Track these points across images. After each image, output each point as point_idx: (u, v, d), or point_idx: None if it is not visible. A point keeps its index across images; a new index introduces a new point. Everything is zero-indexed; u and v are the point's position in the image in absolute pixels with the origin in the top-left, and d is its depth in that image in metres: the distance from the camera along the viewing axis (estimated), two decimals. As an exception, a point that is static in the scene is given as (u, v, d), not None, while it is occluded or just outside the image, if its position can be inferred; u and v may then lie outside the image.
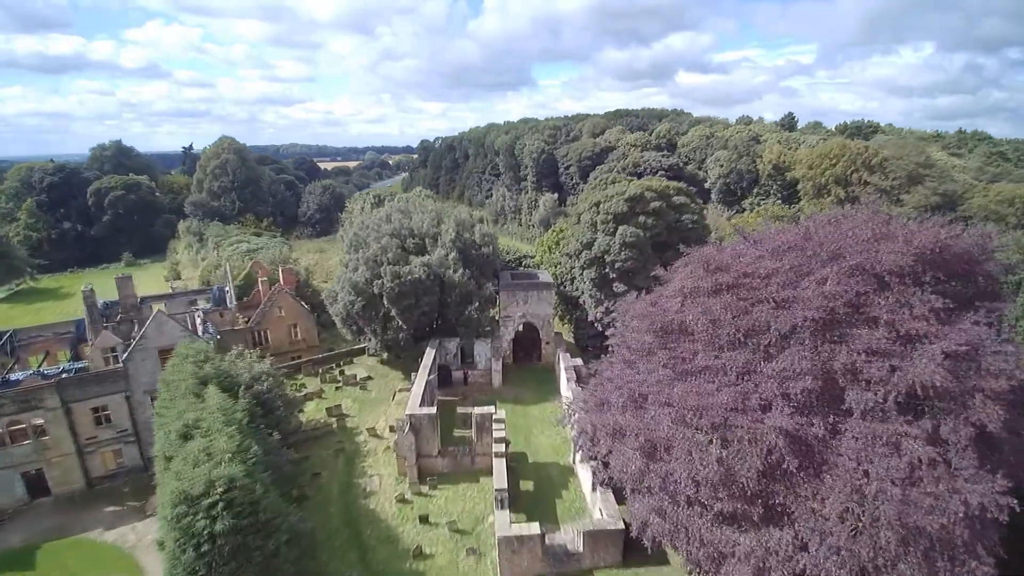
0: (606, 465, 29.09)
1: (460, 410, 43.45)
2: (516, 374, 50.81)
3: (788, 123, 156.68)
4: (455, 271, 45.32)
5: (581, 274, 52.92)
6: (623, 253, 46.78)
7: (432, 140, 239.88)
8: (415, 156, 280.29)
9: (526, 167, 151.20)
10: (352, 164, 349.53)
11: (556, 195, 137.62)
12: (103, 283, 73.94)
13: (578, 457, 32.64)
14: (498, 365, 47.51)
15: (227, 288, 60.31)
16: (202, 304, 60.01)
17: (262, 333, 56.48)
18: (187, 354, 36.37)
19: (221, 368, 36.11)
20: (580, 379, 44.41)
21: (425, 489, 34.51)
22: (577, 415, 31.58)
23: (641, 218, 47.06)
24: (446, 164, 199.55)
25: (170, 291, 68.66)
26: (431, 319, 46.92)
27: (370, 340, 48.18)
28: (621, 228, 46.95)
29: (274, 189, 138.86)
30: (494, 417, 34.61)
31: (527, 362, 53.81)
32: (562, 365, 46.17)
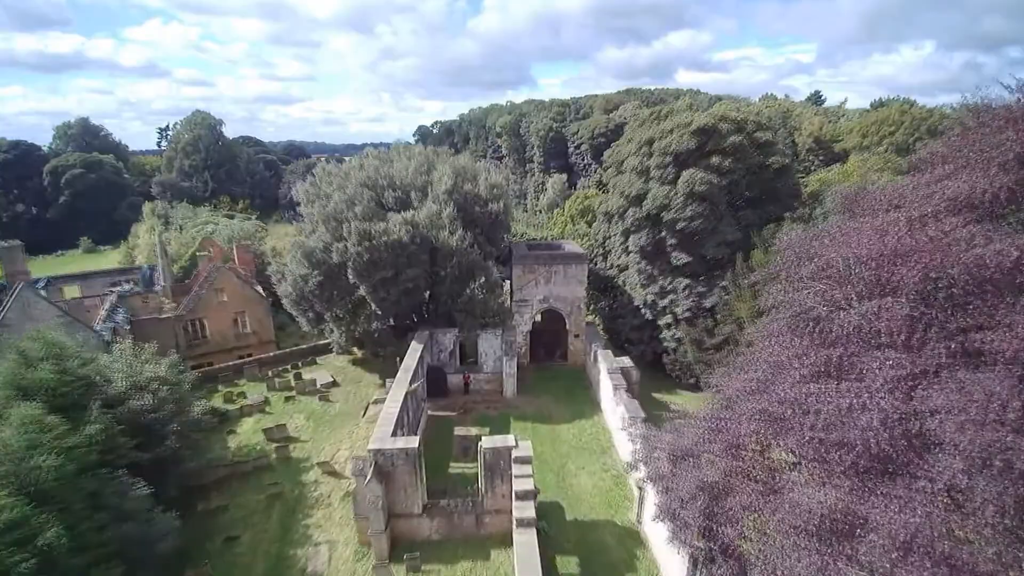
0: (728, 553, 15.62)
1: (459, 432, 29.85)
2: (535, 379, 37.19)
3: (815, 101, 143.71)
4: (452, 232, 31.65)
5: (624, 242, 39.23)
6: (689, 208, 33.10)
7: (430, 125, 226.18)
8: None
9: (532, 147, 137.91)
10: (348, 158, 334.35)
11: (566, 176, 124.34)
12: (57, 272, 62.25)
13: (663, 529, 18.88)
14: (512, 367, 33.85)
15: (157, 266, 46.56)
16: (128, 286, 46.37)
17: (197, 323, 42.80)
18: (22, 349, 22.71)
19: (75, 372, 22.46)
20: (631, 387, 30.87)
21: (401, 572, 20.87)
22: (657, 461, 18.20)
23: (714, 159, 33.37)
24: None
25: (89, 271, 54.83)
26: (417, 301, 33.22)
27: (332, 332, 34.40)
28: (686, 173, 33.27)
29: (252, 168, 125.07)
30: (514, 454, 20.90)
31: (548, 362, 40.18)
32: (603, 367, 32.54)
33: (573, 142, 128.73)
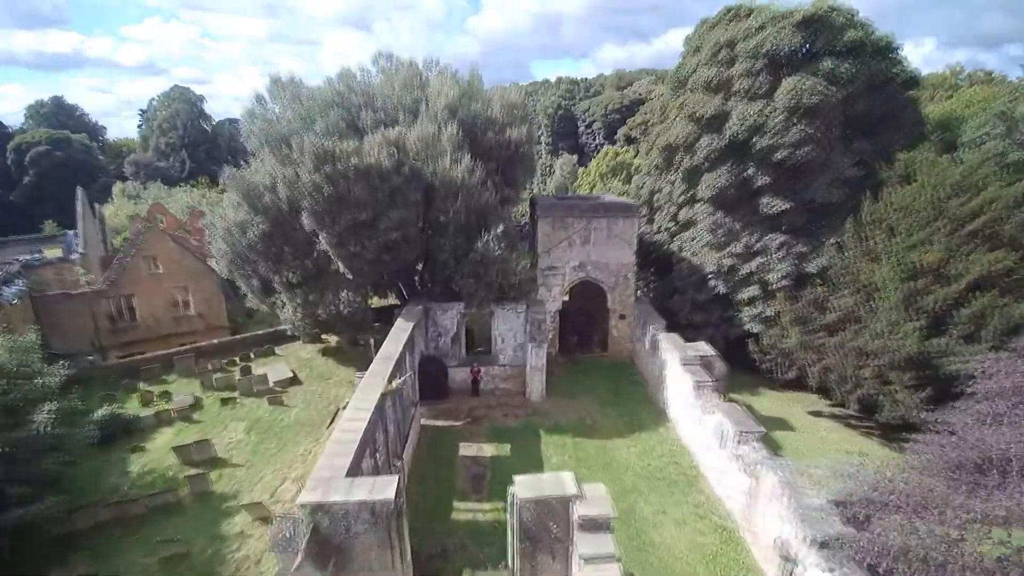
0: None
1: (465, 452, 20.23)
2: (567, 374, 27.42)
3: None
4: (456, 161, 21.77)
5: (686, 191, 29.32)
6: (793, 130, 23.23)
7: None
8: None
9: (539, 127, 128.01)
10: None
11: (576, 158, 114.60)
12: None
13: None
14: (540, 356, 23.99)
15: (76, 232, 36.71)
16: (39, 254, 36.58)
17: (123, 302, 32.96)
18: None
19: None
20: (717, 383, 21.12)
21: None
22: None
23: (826, 62, 23.45)
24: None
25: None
26: (406, 262, 23.27)
27: (283, 308, 24.35)
28: (789, 81, 23.38)
29: (234, 147, 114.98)
30: (578, 511, 10.94)
31: (582, 352, 30.37)
32: (671, 357, 22.83)
33: (584, 120, 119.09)
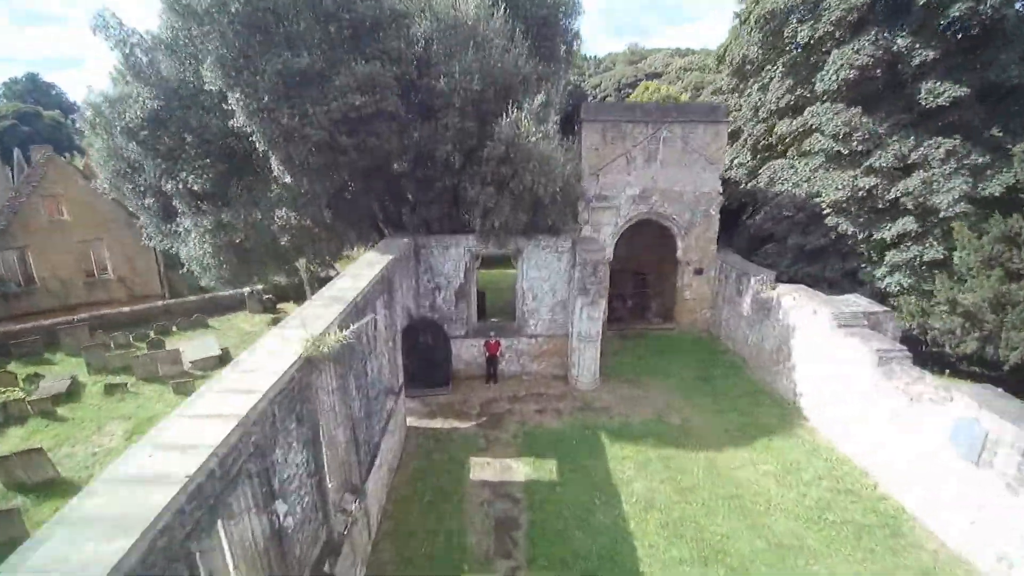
0: None
1: (481, 474, 11.72)
2: (623, 352, 18.95)
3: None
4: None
5: (792, 87, 20.78)
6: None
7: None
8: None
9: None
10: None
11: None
12: None
13: None
14: (594, 322, 15.41)
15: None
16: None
17: (15, 259, 24.52)
18: None
19: None
20: (904, 362, 12.57)
21: None
22: None
23: None
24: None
25: None
26: (380, 153, 14.38)
27: (187, 237, 15.34)
28: None
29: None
30: None
31: (638, 323, 21.85)
32: (804, 321, 14.38)
33: (595, 96, 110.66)
